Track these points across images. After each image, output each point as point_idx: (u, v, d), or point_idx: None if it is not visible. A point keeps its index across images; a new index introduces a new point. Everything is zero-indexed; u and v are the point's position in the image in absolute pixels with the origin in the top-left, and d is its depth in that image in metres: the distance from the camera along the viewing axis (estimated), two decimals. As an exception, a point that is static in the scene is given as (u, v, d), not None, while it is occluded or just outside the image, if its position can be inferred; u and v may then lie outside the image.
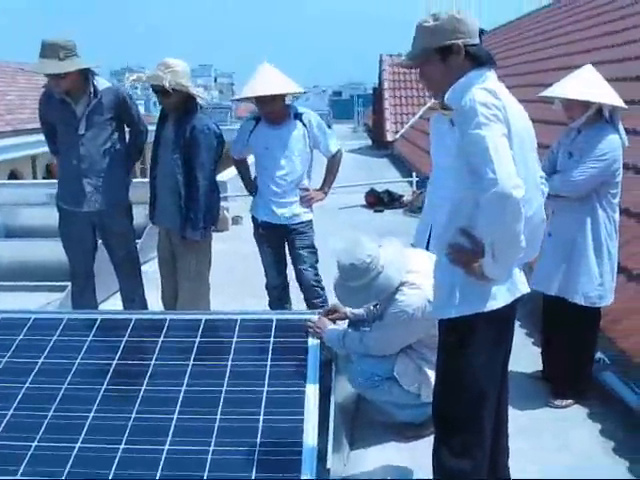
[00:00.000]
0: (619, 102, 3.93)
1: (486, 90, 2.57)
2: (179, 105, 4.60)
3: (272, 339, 3.91)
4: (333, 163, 5.15)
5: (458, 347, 2.72)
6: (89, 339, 3.95)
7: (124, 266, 5.01)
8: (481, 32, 2.75)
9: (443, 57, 2.68)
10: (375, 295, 3.61)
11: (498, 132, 2.51)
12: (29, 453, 3.16)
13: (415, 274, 3.61)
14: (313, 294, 5.00)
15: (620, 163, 3.91)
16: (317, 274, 5.04)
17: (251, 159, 5.26)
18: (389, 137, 20.78)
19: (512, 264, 2.67)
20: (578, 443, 3.73)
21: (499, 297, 2.67)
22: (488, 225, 2.54)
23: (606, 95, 3.91)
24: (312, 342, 3.88)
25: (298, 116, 4.91)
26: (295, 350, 3.83)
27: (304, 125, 4.90)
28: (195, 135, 4.55)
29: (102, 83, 4.70)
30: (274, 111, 4.82)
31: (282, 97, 4.83)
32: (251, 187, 5.15)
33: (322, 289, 5.02)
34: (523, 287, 2.78)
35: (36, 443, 3.22)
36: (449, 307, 2.69)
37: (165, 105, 4.68)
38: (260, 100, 4.80)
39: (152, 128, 5.02)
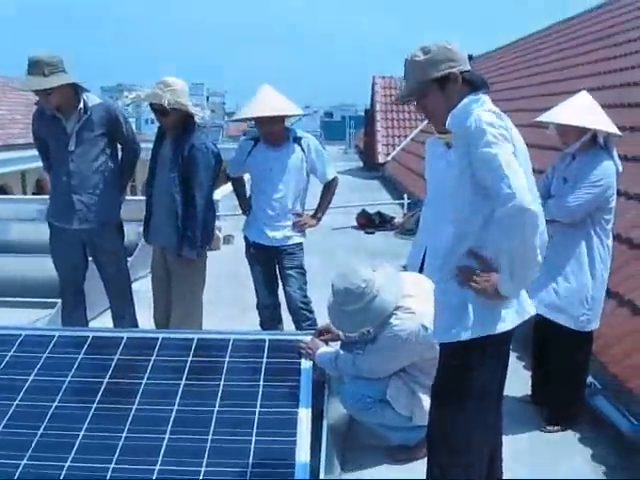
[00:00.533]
0: (613, 129, 3.97)
1: (490, 111, 2.63)
2: (177, 124, 4.60)
3: (265, 359, 3.90)
4: (328, 190, 5.16)
5: (466, 369, 2.72)
6: (80, 357, 3.93)
7: (114, 284, 4.98)
8: (469, 58, 2.82)
9: (442, 87, 2.73)
10: (370, 320, 3.60)
11: (508, 150, 2.56)
12: (18, 471, 3.12)
13: (410, 298, 3.62)
14: (301, 317, 4.97)
15: (614, 189, 3.94)
16: (305, 296, 5.02)
17: (247, 176, 5.26)
18: (380, 159, 20.84)
19: (529, 279, 2.68)
20: (569, 468, 3.72)
21: (508, 319, 2.69)
22: (508, 240, 2.56)
23: (601, 122, 3.95)
24: (305, 363, 3.87)
25: (297, 140, 4.93)
26: (287, 371, 3.82)
27: (302, 150, 4.92)
28: (193, 154, 4.55)
29: (93, 99, 4.68)
30: (273, 133, 4.84)
31: (281, 119, 4.85)
32: (245, 206, 5.15)
33: (311, 312, 4.99)
34: (531, 309, 2.81)
35: (25, 461, 3.17)
36: (460, 329, 2.68)
37: (163, 123, 4.67)
38: (259, 121, 4.82)
39: (144, 146, 5.03)
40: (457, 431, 2.75)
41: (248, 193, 5.20)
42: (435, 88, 2.74)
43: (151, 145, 4.83)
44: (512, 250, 2.55)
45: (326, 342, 4.04)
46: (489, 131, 2.55)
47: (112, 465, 3.15)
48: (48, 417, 3.46)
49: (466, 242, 2.70)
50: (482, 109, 2.64)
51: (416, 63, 2.75)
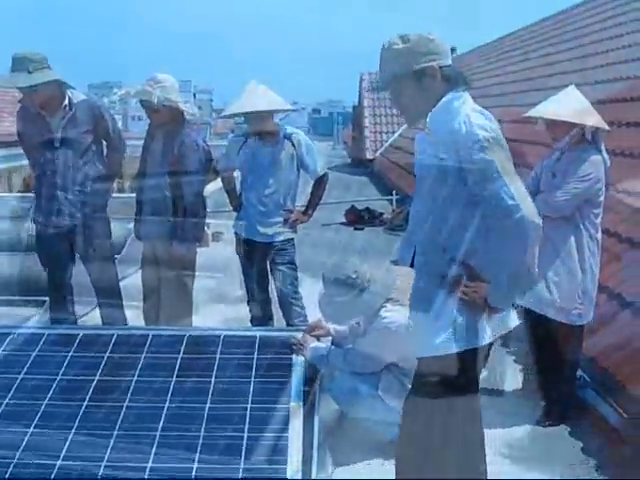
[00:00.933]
0: (602, 123, 3.99)
1: (478, 112, 2.51)
2: (168, 120, 4.60)
3: (256, 355, 3.90)
4: (319, 186, 5.15)
5: (448, 379, 2.63)
6: (70, 354, 3.91)
7: (102, 281, 4.95)
8: (452, 51, 2.73)
9: (418, 80, 2.56)
10: (360, 311, 3.61)
11: (501, 154, 2.46)
12: (9, 470, 3.10)
13: (400, 292, 3.62)
14: (292, 313, 4.98)
15: (603, 183, 3.97)
16: (296, 292, 5.01)
17: (236, 172, 5.26)
18: (369, 155, 20.87)
19: (523, 291, 2.65)
20: (560, 461, 3.74)
21: (492, 331, 2.62)
22: (508, 252, 2.46)
23: (589, 116, 3.97)
24: (296, 359, 3.87)
25: (288, 136, 4.92)
26: (279, 367, 3.82)
27: (293, 145, 4.91)
28: (183, 151, 4.56)
29: (77, 96, 4.67)
30: (262, 128, 4.82)
31: (270, 114, 4.84)
32: (235, 203, 5.14)
33: (301, 307, 4.99)
34: (512, 322, 2.74)
35: (16, 460, 3.15)
36: (445, 342, 2.58)
37: (154, 120, 4.67)
38: (248, 117, 4.81)
39: (130, 143, 5.02)
40: (432, 436, 2.70)
41: (238, 190, 5.19)
42: (411, 81, 2.56)
43: (137, 142, 4.83)
44: (512, 262, 2.46)
45: (317, 338, 4.04)
46: (482, 135, 2.43)
47: (104, 463, 3.14)
48: (39, 415, 3.43)
49: (453, 247, 2.58)
50: (469, 109, 2.51)
51: (393, 52, 2.56)
